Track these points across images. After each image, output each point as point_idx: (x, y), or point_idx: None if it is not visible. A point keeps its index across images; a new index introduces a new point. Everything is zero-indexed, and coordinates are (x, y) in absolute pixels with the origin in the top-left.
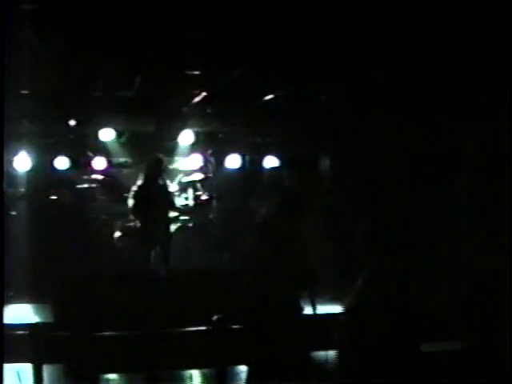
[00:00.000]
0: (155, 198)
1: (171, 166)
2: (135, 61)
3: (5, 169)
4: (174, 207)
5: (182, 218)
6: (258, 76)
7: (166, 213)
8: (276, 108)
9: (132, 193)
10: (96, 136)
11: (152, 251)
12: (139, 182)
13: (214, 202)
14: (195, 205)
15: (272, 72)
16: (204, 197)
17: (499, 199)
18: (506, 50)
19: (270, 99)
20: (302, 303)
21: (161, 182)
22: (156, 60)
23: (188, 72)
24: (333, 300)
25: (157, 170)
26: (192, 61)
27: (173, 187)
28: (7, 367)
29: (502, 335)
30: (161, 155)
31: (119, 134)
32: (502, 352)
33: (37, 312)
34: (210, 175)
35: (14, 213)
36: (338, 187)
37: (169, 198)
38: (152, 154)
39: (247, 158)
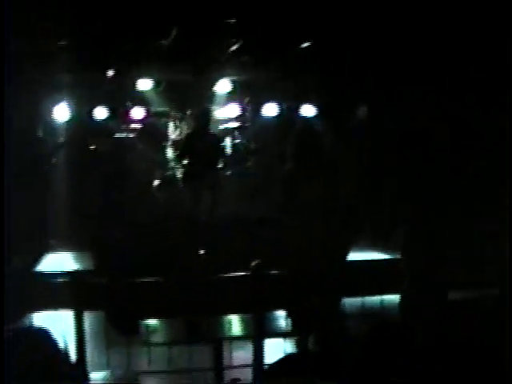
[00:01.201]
0: (204, 146)
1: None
2: (172, 9)
3: (45, 118)
4: (222, 156)
5: (220, 166)
6: (294, 23)
7: (215, 161)
8: (313, 55)
9: (181, 141)
10: (134, 86)
11: (197, 198)
12: (188, 131)
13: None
14: (232, 153)
15: (308, 18)
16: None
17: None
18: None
19: (308, 46)
20: (345, 249)
21: (209, 131)
22: (192, 8)
23: (224, 20)
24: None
25: (204, 120)
26: (228, 8)
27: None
28: (50, 314)
29: None
30: (208, 106)
31: (157, 84)
32: None
33: (77, 260)
34: (248, 124)
35: (54, 160)
36: (373, 142)
37: (217, 147)
38: (190, 103)
39: (284, 106)
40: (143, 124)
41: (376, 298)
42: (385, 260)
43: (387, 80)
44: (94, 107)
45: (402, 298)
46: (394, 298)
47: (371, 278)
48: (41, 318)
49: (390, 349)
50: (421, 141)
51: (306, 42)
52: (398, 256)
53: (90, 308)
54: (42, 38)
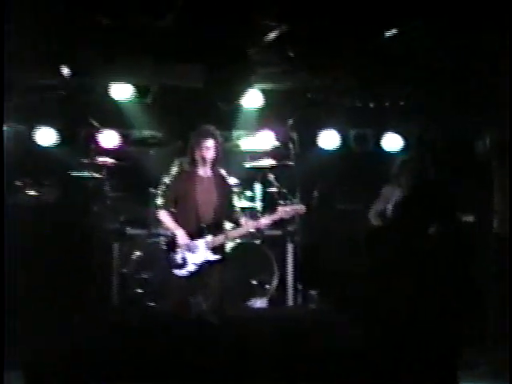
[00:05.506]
0: (203, 195)
1: (228, 145)
2: None
3: None
4: (232, 212)
5: (244, 229)
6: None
7: (220, 221)
8: (402, 50)
9: (163, 187)
10: (104, 94)
11: (196, 282)
12: (177, 169)
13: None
14: (265, 208)
15: None
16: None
17: None
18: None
19: (393, 35)
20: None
21: (214, 169)
22: None
23: None
24: None
25: (206, 151)
26: None
27: (231, 179)
28: None
29: None
30: (212, 127)
31: (142, 92)
32: None
33: None
34: (291, 162)
35: None
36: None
37: (227, 196)
38: (198, 125)
39: (352, 133)
40: (118, 157)
41: None
42: None
43: None
44: (36, 127)
45: None
46: None
47: None
48: None
49: None
50: None
51: (384, 31)
52: None
53: None
54: None
